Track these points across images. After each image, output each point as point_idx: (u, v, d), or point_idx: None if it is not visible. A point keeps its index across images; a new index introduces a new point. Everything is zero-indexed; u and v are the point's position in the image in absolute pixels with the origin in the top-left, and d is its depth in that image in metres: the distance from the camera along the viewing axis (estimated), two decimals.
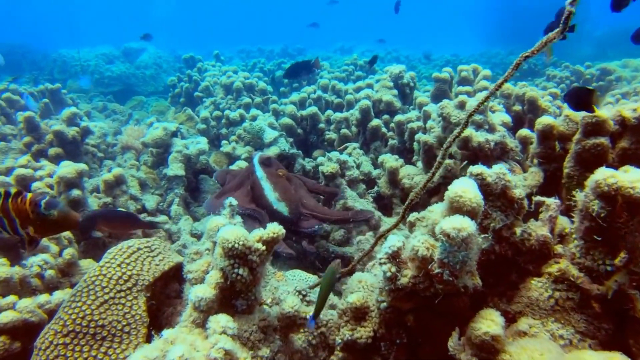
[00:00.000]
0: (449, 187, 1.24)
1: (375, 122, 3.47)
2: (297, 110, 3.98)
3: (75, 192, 2.68)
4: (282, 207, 2.69)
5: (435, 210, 1.33)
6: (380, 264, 1.35)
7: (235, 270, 1.40)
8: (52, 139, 3.64)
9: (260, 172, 2.80)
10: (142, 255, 1.73)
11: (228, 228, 1.40)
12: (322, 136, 3.97)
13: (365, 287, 1.65)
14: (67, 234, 2.60)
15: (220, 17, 36.47)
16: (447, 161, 2.62)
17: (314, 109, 3.90)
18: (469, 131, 2.36)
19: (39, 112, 4.93)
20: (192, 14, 35.62)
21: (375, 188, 3.11)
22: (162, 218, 3.23)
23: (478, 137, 2.36)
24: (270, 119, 4.01)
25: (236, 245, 1.37)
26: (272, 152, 3.57)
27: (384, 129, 3.54)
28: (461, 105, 2.66)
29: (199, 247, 1.69)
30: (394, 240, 1.34)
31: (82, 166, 2.74)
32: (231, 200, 1.77)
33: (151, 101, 9.14)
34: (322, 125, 3.94)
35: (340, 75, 5.81)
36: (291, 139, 3.82)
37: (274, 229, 1.48)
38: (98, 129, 4.23)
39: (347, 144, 3.37)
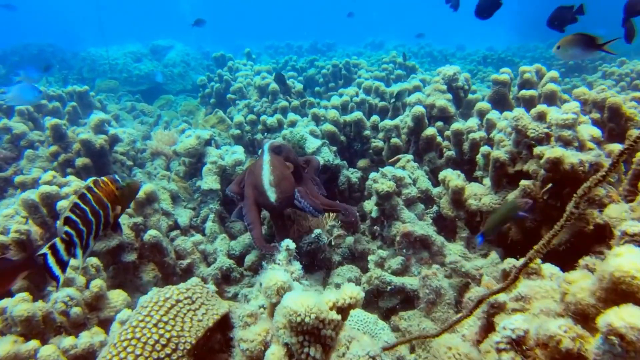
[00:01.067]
0: (609, 260, 0.90)
1: (430, 131, 3.12)
2: (340, 115, 3.65)
3: None
4: (270, 192, 2.66)
5: (579, 283, 0.99)
6: (499, 350, 1.02)
7: (306, 350, 1.09)
8: (80, 148, 3.41)
9: (266, 156, 2.78)
10: (183, 310, 1.43)
11: (295, 296, 1.09)
12: (368, 144, 3.63)
13: (456, 357, 1.32)
14: (95, 260, 2.34)
15: (247, 12, 36.28)
16: (525, 182, 2.25)
17: (358, 114, 3.56)
18: (561, 151, 1.99)
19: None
20: (218, 9, 35.55)
21: (435, 207, 2.76)
22: (197, 238, 2.96)
23: (570, 157, 1.99)
24: (311, 125, 3.70)
25: (307, 320, 1.06)
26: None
27: (439, 138, 3.18)
28: (540, 117, 2.28)
29: (252, 307, 1.38)
30: (518, 322, 1.01)
31: None
32: (288, 244, 1.46)
33: (180, 100, 8.96)
34: (367, 132, 3.60)
35: (379, 75, 5.44)
36: (334, 148, 3.50)
37: (352, 292, 1.16)
38: (127, 135, 3.99)
39: (399, 156, 3.03)
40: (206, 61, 11.03)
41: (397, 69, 5.76)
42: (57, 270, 1.40)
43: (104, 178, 1.63)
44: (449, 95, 3.42)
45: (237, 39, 19.88)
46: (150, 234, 2.60)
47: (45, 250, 1.40)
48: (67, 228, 1.45)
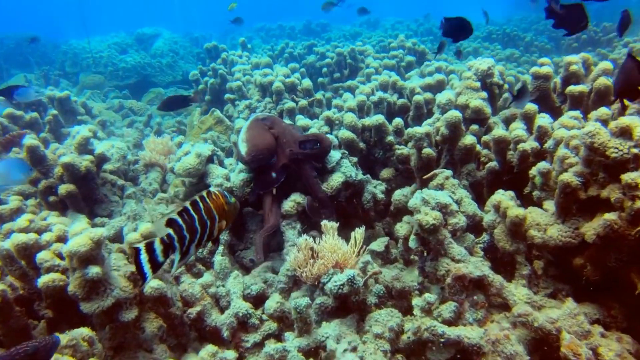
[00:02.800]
0: None
1: (469, 140, 2.68)
2: (357, 118, 3.20)
3: (94, 271, 1.98)
4: (242, 146, 2.69)
5: None
6: None
7: None
8: (62, 173, 2.96)
9: (247, 122, 2.90)
10: None
11: None
12: (391, 151, 3.19)
13: None
14: (86, 332, 1.93)
15: None
16: (610, 217, 1.84)
17: (380, 118, 3.11)
18: None
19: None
20: None
21: (485, 236, 2.36)
22: (206, 279, 2.53)
23: None
24: (324, 130, 3.26)
25: None
26: (335, 181, 2.83)
27: (478, 147, 2.76)
28: (623, 133, 1.86)
29: None
30: None
31: (100, 232, 2.03)
32: None
33: (170, 93, 8.45)
34: (390, 138, 3.16)
35: (389, 63, 4.97)
36: (355, 159, 3.07)
37: None
38: (116, 149, 3.53)
39: (436, 171, 2.60)
40: (196, 48, 10.44)
41: (407, 55, 5.29)
42: (147, 268, 1.37)
43: (215, 191, 1.66)
44: (484, 94, 2.99)
45: (225, 21, 19.08)
46: (152, 285, 2.18)
47: (140, 244, 1.38)
48: (170, 230, 1.43)
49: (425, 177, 2.64)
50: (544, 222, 2.10)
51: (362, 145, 3.21)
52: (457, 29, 3.40)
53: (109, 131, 4.79)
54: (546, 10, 3.17)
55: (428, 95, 3.51)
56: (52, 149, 3.16)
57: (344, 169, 2.87)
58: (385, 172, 3.21)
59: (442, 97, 3.01)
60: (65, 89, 8.36)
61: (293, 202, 2.76)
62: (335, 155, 2.88)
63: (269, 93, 4.07)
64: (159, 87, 8.61)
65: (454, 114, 2.67)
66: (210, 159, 3.03)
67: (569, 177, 1.97)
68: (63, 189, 2.90)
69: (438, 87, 3.53)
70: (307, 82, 4.11)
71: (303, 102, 3.88)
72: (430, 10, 10.97)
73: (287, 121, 3.40)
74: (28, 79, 8.05)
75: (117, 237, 2.92)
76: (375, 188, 3.07)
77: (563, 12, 3.04)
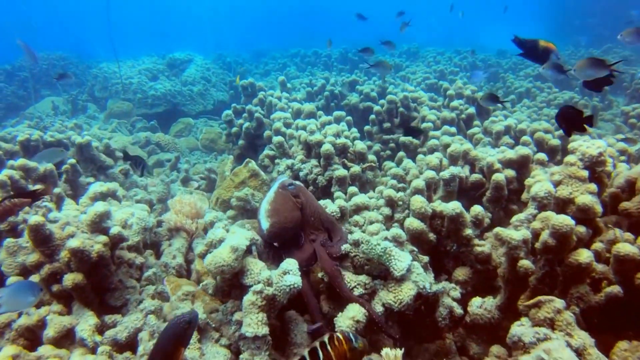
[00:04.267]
0: None
1: (585, 256, 2.06)
2: (426, 200, 2.62)
3: None
4: (263, 221, 2.51)
5: None
6: None
7: None
8: (69, 258, 2.44)
9: (271, 191, 2.65)
10: None
11: None
12: (469, 247, 2.59)
13: None
14: None
15: (268, 14, 34.90)
16: None
17: (457, 206, 2.51)
18: None
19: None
20: (237, 12, 34.46)
21: None
22: None
23: None
24: (386, 213, 2.68)
25: None
26: (405, 294, 2.24)
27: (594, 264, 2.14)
28: None
29: None
30: None
31: None
32: None
33: (199, 124, 8.05)
34: (468, 231, 2.57)
35: (448, 116, 4.38)
36: (426, 259, 2.48)
37: None
38: (136, 220, 3.01)
39: (541, 298, 1.98)
40: (228, 75, 10.07)
41: (468, 106, 4.69)
42: None
43: (339, 335, 1.55)
44: (594, 187, 2.37)
45: (258, 43, 18.86)
46: None
47: None
48: None
49: (526, 304, 2.02)
50: None
51: (432, 236, 2.62)
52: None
53: (132, 181, 4.31)
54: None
55: (510, 172, 2.91)
56: (61, 224, 2.65)
57: (416, 277, 2.28)
58: (460, 273, 2.60)
59: (539, 188, 2.40)
60: (93, 115, 8.05)
61: (351, 319, 2.17)
62: (404, 258, 2.28)
63: (315, 154, 3.51)
64: (188, 116, 8.21)
65: (566, 221, 2.06)
66: (249, 250, 2.48)
67: None
68: (69, 280, 2.38)
69: (522, 164, 2.93)
70: (360, 145, 3.52)
71: (355, 169, 3.31)
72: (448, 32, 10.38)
73: (341, 202, 2.83)
74: (55, 105, 7.73)
75: (131, 341, 2.39)
76: (449, 295, 2.46)
77: None
